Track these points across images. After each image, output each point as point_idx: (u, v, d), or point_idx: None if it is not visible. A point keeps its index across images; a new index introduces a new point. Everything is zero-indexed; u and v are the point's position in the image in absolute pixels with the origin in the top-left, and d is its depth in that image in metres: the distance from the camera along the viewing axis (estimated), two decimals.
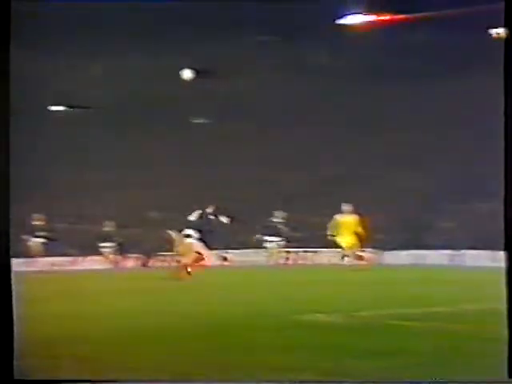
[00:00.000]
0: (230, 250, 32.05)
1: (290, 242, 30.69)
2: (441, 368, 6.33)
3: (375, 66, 41.32)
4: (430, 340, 7.76)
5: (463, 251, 33.47)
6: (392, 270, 22.29)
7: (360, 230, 23.82)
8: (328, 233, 24.61)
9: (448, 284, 17.79)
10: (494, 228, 32.32)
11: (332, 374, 6.07)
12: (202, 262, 20.83)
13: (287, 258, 30.88)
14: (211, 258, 21.71)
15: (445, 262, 32.47)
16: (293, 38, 40.18)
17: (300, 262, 32.53)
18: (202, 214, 21.31)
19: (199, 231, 20.80)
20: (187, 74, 35.46)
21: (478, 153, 36.97)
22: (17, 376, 5.48)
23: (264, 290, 16.26)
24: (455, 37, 38.19)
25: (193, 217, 21.27)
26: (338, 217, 23.73)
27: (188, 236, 21.06)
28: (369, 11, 39.54)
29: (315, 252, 35.97)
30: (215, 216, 21.64)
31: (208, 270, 20.33)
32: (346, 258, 24.70)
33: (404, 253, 31.75)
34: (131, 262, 31.16)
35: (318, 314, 9.85)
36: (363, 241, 24.29)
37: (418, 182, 36.23)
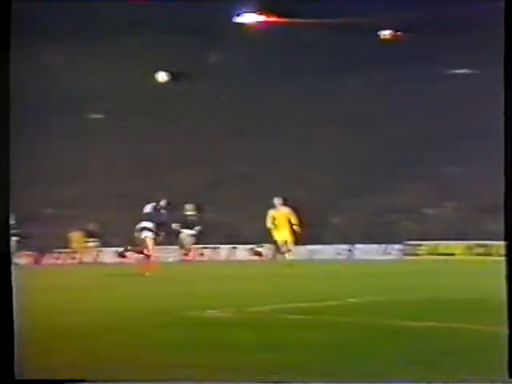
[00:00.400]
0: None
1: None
2: (329, 361, 6.37)
3: (265, 64, 41.74)
4: (321, 333, 7.82)
5: (356, 245, 34.23)
6: (288, 265, 22.40)
7: (294, 223, 23.51)
8: (267, 227, 24.21)
9: (340, 277, 18.04)
10: (383, 222, 32.95)
11: (220, 370, 6.04)
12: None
13: (186, 254, 29.54)
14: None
15: (338, 256, 33.16)
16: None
17: (199, 257, 32.39)
18: (155, 206, 21.01)
19: (154, 224, 20.55)
20: None
21: (364, 150, 37.97)
22: (17, 376, 5.34)
23: (159, 286, 16.16)
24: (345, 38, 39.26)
25: (147, 209, 20.92)
26: (272, 211, 23.42)
27: (143, 229, 20.57)
28: (262, 11, 40.34)
29: (214, 248, 36.08)
30: (167, 209, 21.48)
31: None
32: (285, 254, 24.12)
33: (301, 248, 32.06)
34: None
35: (209, 310, 9.82)
36: (297, 234, 23.95)
37: (317, 180, 36.86)
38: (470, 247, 34.18)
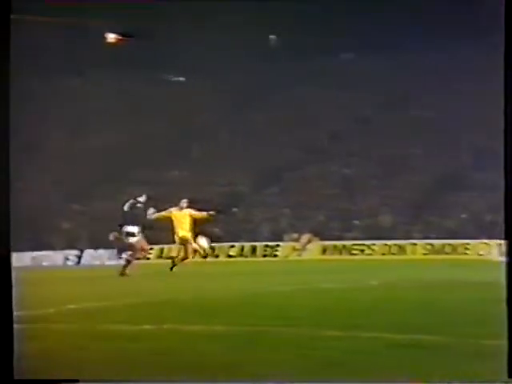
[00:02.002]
0: None
1: None
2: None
3: None
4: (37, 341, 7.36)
5: (85, 251, 33.66)
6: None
7: (192, 224, 21.79)
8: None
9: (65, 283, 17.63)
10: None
11: None
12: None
13: None
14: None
15: (62, 261, 32.49)
16: None
17: None
18: (133, 203, 20.48)
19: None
20: None
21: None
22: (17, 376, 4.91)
23: None
24: None
25: (126, 207, 20.42)
26: (173, 210, 22.01)
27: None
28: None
29: None
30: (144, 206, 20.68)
31: None
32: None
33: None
34: None
35: None
36: (195, 235, 22.26)
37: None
38: None
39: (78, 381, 4.56)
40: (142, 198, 20.82)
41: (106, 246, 32.22)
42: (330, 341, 6.34)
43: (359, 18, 39.57)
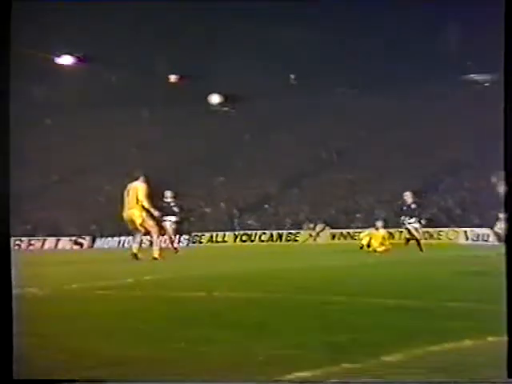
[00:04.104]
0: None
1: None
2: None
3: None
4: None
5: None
6: None
7: (143, 198, 14.45)
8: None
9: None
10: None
11: None
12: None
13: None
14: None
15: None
16: None
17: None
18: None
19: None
20: None
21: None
22: (15, 376, 3.95)
23: None
24: None
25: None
26: (128, 184, 14.83)
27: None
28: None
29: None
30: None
31: None
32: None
33: None
34: None
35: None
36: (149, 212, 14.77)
37: None
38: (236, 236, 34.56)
39: (77, 381, 3.71)
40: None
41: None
42: (336, 304, 6.28)
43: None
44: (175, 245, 19.85)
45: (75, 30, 36.12)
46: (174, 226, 19.34)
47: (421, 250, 19.05)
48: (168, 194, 19.65)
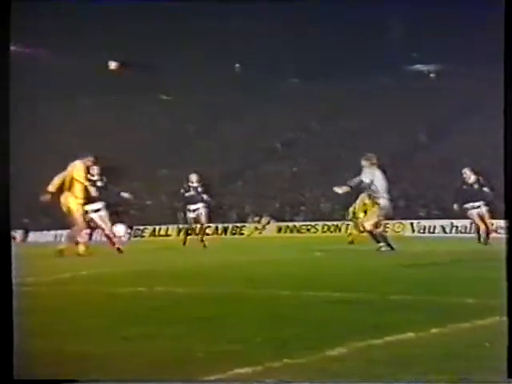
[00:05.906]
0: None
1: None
2: None
3: None
4: None
5: None
6: None
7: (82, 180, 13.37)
8: None
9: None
10: None
11: None
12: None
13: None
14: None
15: None
16: None
17: None
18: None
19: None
20: None
21: None
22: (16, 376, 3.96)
23: None
24: None
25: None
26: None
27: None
28: None
29: None
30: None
31: None
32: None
33: None
34: None
35: None
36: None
37: None
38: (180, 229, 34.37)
39: (77, 381, 3.73)
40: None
41: None
42: (283, 299, 6.33)
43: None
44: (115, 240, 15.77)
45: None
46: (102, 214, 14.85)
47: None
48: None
